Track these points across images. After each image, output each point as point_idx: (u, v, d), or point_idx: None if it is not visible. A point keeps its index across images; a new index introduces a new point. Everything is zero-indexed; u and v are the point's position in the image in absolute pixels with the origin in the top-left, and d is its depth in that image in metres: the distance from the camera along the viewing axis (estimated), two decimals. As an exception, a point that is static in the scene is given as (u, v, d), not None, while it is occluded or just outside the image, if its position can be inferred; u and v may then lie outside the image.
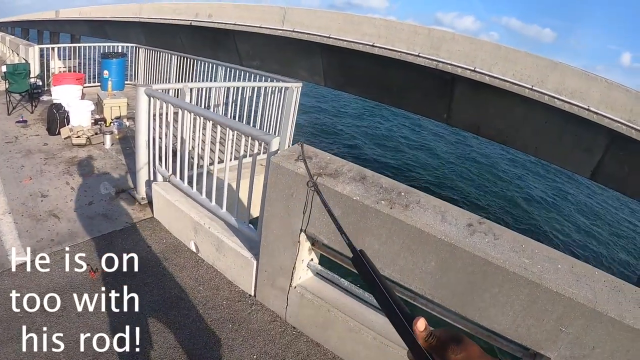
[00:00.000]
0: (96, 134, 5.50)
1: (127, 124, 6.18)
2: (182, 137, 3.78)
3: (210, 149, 3.59)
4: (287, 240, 2.83)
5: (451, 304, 2.15)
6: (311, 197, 2.57)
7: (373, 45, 8.05)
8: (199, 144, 4.01)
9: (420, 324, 0.59)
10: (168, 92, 4.67)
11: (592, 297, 1.74)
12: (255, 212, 3.83)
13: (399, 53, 7.83)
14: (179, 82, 7.49)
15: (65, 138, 5.44)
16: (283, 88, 5.35)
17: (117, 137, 5.67)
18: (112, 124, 5.83)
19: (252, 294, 3.29)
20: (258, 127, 5.37)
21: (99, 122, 5.88)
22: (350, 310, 2.85)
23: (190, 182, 3.75)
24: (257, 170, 3.23)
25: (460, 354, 0.55)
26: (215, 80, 6.40)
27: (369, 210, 2.35)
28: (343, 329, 2.79)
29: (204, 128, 3.51)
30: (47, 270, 3.22)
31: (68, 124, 5.57)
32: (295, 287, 2.96)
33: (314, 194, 2.54)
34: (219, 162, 3.56)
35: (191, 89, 4.51)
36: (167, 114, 3.87)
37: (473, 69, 7.36)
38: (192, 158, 3.85)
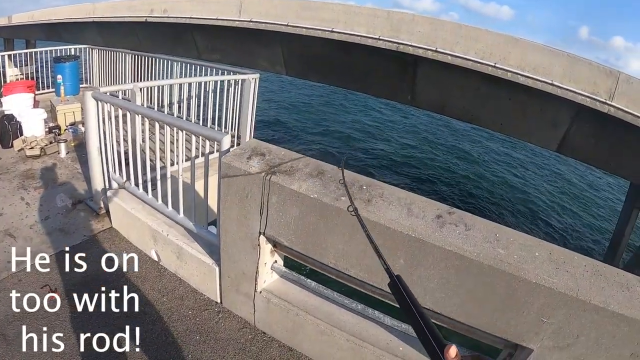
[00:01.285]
0: (50, 143, 5.11)
1: (83, 129, 5.79)
2: (133, 141, 3.50)
3: (163, 151, 3.33)
4: (247, 244, 2.62)
5: (424, 302, 1.98)
6: (267, 197, 2.35)
7: (332, 31, 7.75)
8: (152, 147, 3.75)
9: (452, 352, 0.60)
10: (120, 94, 4.33)
11: (573, 285, 1.63)
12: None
13: (359, 37, 7.57)
14: (135, 81, 7.10)
15: (18, 150, 5.04)
16: (240, 80, 5.07)
17: (73, 144, 5.30)
18: (66, 131, 5.45)
19: (218, 301, 3.08)
20: (217, 123, 5.10)
21: (53, 131, 5.48)
22: (320, 311, 2.68)
23: (145, 188, 3.49)
24: (214, 169, 3.00)
25: None
26: (171, 78, 6.06)
27: (329, 208, 2.16)
28: (314, 331, 2.62)
29: (160, 129, 3.26)
30: (6, 294, 2.95)
31: (21, 135, 5.16)
32: (260, 292, 2.77)
33: (270, 192, 2.34)
34: (172, 165, 3.30)
35: (141, 89, 4.19)
36: (117, 117, 3.58)
37: (435, 49, 7.18)
38: (146, 162, 3.59)
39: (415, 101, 8.28)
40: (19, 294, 2.92)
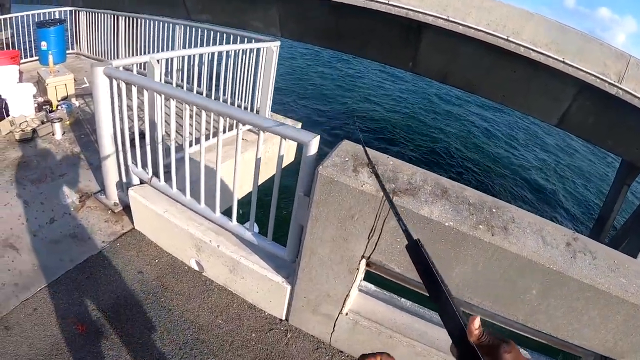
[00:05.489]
0: (42, 122, 4.16)
1: (77, 103, 4.83)
2: (163, 130, 2.79)
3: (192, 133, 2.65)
4: (341, 268, 2.07)
5: (545, 327, 1.80)
6: (383, 220, 1.80)
7: (336, -8, 6.94)
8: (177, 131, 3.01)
9: (477, 322, 0.57)
10: (135, 68, 3.47)
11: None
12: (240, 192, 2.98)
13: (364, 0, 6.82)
14: (128, 47, 6.06)
15: (6, 134, 4.06)
16: (262, 49, 4.31)
17: (68, 122, 4.38)
18: (59, 108, 4.48)
19: (283, 318, 2.54)
20: (229, 97, 4.37)
21: (44, 107, 4.45)
22: (415, 331, 2.25)
23: (181, 187, 2.81)
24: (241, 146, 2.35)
25: (511, 352, 0.56)
26: (174, 44, 5.13)
27: (467, 238, 1.70)
28: (408, 352, 2.21)
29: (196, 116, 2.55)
30: (21, 331, 2.25)
31: (8, 116, 4.15)
32: (346, 314, 2.26)
33: (387, 215, 1.79)
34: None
35: (159, 61, 3.35)
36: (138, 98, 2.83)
37: (446, 17, 6.56)
38: (177, 152, 2.88)
39: (417, 68, 7.74)
40: (37, 330, 2.27)
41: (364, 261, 2.00)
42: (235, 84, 4.34)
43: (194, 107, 2.65)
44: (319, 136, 2.00)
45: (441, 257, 1.79)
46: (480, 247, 1.69)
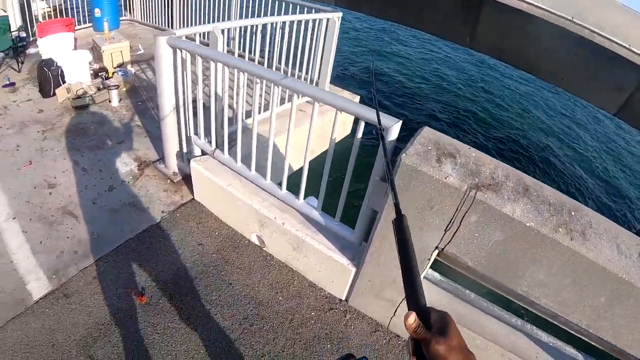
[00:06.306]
0: (99, 89, 4.25)
1: (133, 70, 4.91)
2: (228, 100, 2.81)
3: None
4: (412, 257, 2.08)
5: (606, 335, 1.79)
6: (463, 214, 1.78)
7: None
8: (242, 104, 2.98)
9: (411, 319, 0.59)
10: (198, 38, 3.44)
11: None
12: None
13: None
14: (183, 13, 6.05)
15: (62, 101, 4.14)
16: (324, 20, 4.22)
17: (124, 89, 4.47)
18: (115, 75, 4.57)
19: (343, 298, 2.58)
20: (289, 68, 4.33)
21: (100, 74, 4.54)
22: (476, 324, 2.25)
23: (245, 159, 2.84)
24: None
25: (441, 345, 0.56)
26: (229, 11, 5.09)
27: (545, 240, 1.68)
28: (467, 345, 2.18)
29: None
30: (80, 299, 2.34)
31: (64, 83, 4.20)
32: (410, 301, 2.27)
33: (469, 210, 1.77)
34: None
35: (222, 31, 3.32)
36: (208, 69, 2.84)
37: (509, -6, 6.27)
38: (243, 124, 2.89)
39: (474, 43, 7.48)
40: (97, 299, 2.35)
41: (436, 252, 2.00)
42: (297, 55, 4.27)
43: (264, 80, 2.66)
44: (401, 121, 1.96)
45: (517, 256, 1.78)
46: (557, 250, 1.67)
